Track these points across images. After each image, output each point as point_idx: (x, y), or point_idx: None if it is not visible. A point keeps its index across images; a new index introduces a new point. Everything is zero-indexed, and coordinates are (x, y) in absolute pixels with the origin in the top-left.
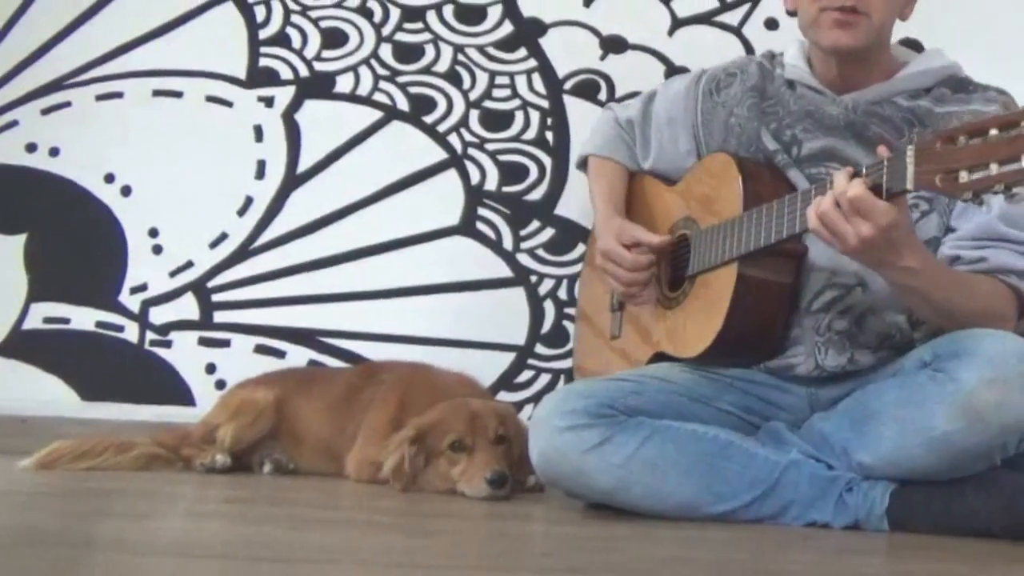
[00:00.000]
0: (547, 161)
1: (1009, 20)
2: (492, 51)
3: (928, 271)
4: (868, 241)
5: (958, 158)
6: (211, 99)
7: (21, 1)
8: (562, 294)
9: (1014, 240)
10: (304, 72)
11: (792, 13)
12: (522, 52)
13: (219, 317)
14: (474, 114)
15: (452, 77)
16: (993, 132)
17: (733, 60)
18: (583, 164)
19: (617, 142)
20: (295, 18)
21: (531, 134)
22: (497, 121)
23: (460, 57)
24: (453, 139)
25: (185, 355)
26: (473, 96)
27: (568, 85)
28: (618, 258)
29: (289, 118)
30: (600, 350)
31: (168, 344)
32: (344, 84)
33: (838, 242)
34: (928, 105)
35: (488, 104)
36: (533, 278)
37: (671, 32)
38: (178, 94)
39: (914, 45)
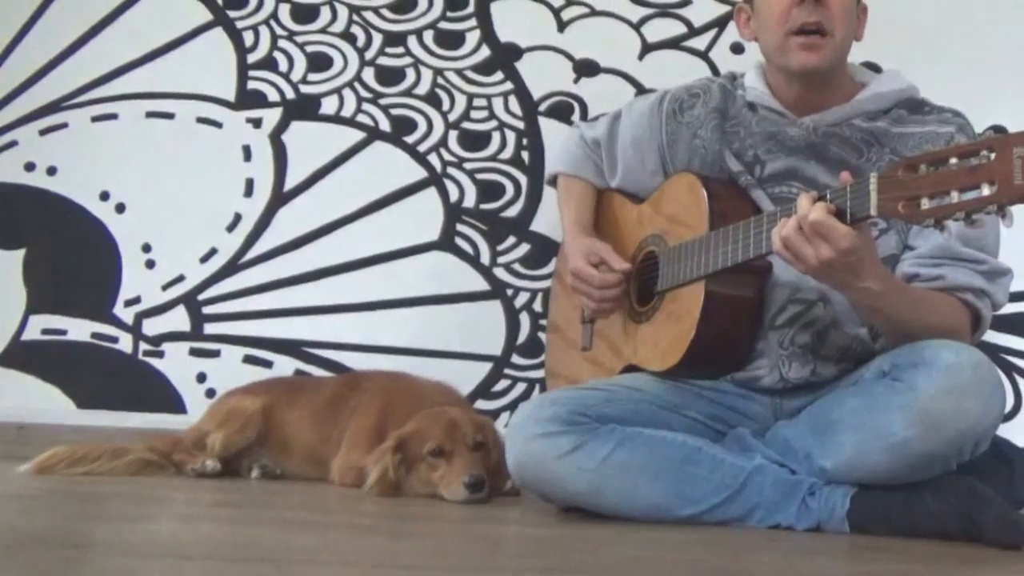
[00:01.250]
0: (523, 180)
1: (964, 41)
2: (470, 74)
3: (888, 292)
4: (828, 263)
5: (919, 185)
6: (201, 120)
7: (20, 27)
8: (537, 307)
9: (970, 259)
10: (290, 94)
11: (753, 39)
12: (499, 75)
13: (209, 329)
14: (453, 135)
15: (432, 99)
16: (953, 161)
17: (695, 81)
18: (553, 181)
19: (585, 161)
20: (282, 43)
21: (507, 154)
22: (475, 141)
23: (440, 80)
24: (433, 158)
25: (177, 365)
26: (452, 117)
27: (543, 107)
28: (588, 278)
29: (276, 138)
30: (571, 362)
31: (160, 354)
32: (329, 106)
33: (800, 263)
34: (885, 126)
35: (466, 125)
36: (509, 291)
37: (641, 56)
38: (170, 115)
39: (874, 67)
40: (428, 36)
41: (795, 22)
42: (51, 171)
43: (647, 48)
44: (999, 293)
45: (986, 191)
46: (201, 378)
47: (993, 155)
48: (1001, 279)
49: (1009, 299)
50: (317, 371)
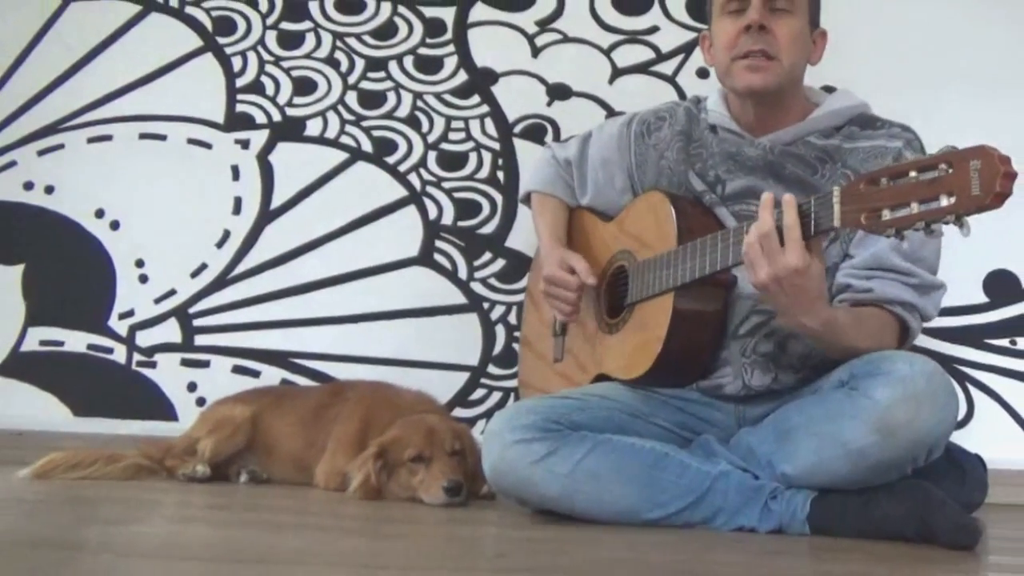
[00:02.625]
0: (498, 198)
1: (915, 62)
2: (448, 98)
3: (825, 332)
4: (775, 278)
5: (881, 197)
6: (192, 141)
7: (19, 53)
8: (512, 319)
9: (903, 272)
10: (277, 117)
11: (713, 64)
12: (475, 99)
13: (200, 340)
14: (432, 155)
15: (412, 121)
16: (913, 174)
17: (662, 104)
18: (526, 199)
19: (557, 180)
20: (269, 68)
21: (484, 173)
22: (453, 162)
23: (419, 103)
24: (413, 178)
25: (168, 375)
26: (431, 139)
27: (517, 129)
28: (562, 282)
29: (263, 159)
30: (543, 372)
31: (153, 365)
32: (313, 128)
33: (751, 272)
34: (838, 142)
35: (445, 146)
36: (486, 304)
37: (611, 80)
38: (162, 137)
39: (830, 90)
40: (408, 61)
41: (741, 49)
42: (49, 190)
43: (617, 73)
44: (929, 307)
45: (944, 202)
46: (192, 387)
47: (951, 169)
48: (933, 293)
49: (959, 312)
50: (302, 381)
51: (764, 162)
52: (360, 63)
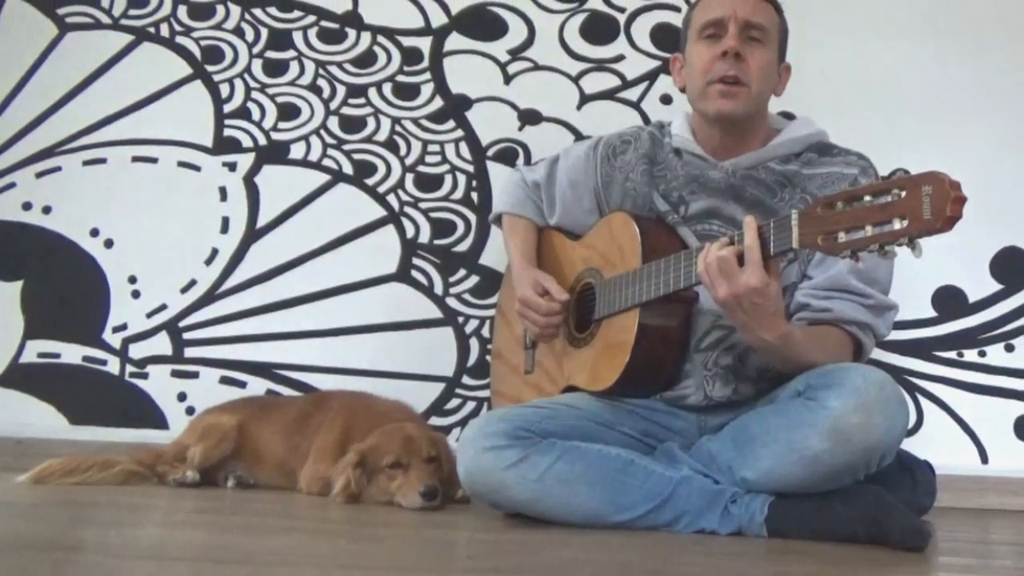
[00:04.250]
0: (472, 218)
1: (870, 93)
2: (425, 123)
3: (783, 347)
4: (734, 296)
5: (837, 221)
6: (182, 164)
7: (18, 80)
8: (485, 332)
9: (858, 293)
10: (262, 141)
11: (682, 89)
12: (451, 124)
13: (189, 352)
14: (409, 177)
15: (390, 145)
16: (868, 198)
17: (627, 129)
18: (497, 220)
19: (527, 202)
20: (255, 94)
21: (458, 194)
22: (429, 183)
23: (397, 128)
24: (391, 199)
25: (160, 385)
26: (408, 161)
27: (490, 152)
28: (534, 305)
29: (249, 181)
30: (514, 383)
31: (145, 376)
32: (297, 151)
33: (712, 290)
34: (797, 168)
35: (421, 168)
36: (460, 319)
37: (579, 106)
38: (154, 160)
39: (788, 116)
40: (387, 88)
41: (716, 74)
42: (46, 210)
43: (585, 99)
44: (882, 327)
45: (897, 225)
46: (181, 397)
47: (904, 193)
48: (886, 313)
49: (910, 326)
50: (286, 391)
51: (726, 185)
52: (341, 90)
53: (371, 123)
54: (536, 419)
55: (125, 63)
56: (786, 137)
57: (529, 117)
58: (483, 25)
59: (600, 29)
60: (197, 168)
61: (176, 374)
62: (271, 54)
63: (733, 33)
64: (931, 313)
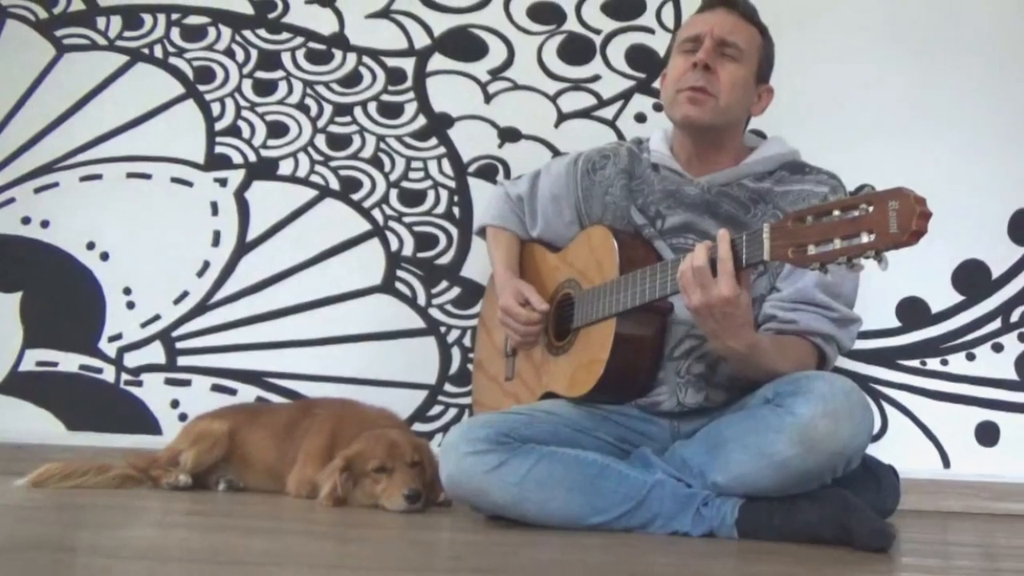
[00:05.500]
0: (454, 232)
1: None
2: (408, 140)
3: (751, 355)
4: (707, 305)
5: (807, 234)
6: (175, 180)
7: (18, 99)
8: (467, 342)
9: (823, 306)
10: (252, 158)
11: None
12: (433, 141)
13: (182, 361)
14: (393, 192)
15: (375, 162)
16: (836, 213)
17: (606, 144)
18: (481, 232)
19: (510, 215)
20: (245, 113)
21: (441, 209)
22: (412, 198)
23: (382, 145)
24: (376, 213)
25: (153, 393)
26: (393, 177)
27: (471, 168)
28: (515, 314)
29: (240, 196)
30: (494, 391)
31: (139, 384)
32: (286, 168)
33: (686, 297)
34: (769, 186)
35: (405, 184)
36: (443, 329)
37: (557, 124)
38: (148, 176)
39: (760, 134)
40: (372, 107)
41: (685, 83)
42: (44, 224)
43: (562, 117)
44: (846, 339)
45: (865, 239)
46: (175, 404)
47: (871, 208)
48: (850, 326)
49: (875, 336)
50: (275, 398)
51: (701, 200)
52: (328, 109)
53: (357, 140)
54: (516, 425)
55: (120, 83)
56: (760, 156)
57: (508, 135)
58: (464, 46)
59: (577, 50)
60: (190, 184)
61: (169, 382)
62: (261, 74)
63: (707, 47)
64: (895, 323)
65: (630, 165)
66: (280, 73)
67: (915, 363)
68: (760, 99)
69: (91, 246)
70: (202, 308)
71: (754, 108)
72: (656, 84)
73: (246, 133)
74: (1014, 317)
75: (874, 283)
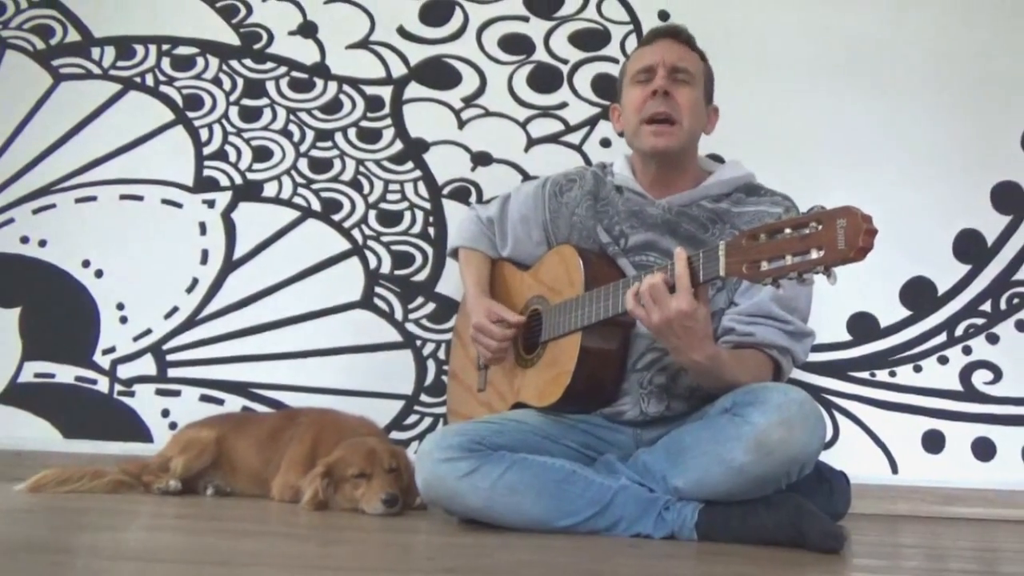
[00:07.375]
0: (430, 251)
1: (793, 138)
2: (386, 164)
3: (711, 368)
4: (667, 320)
5: (760, 251)
6: (165, 201)
7: (16, 125)
8: (441, 355)
9: (779, 319)
10: (239, 180)
11: (620, 134)
12: (410, 165)
13: (172, 373)
14: (372, 213)
15: (355, 184)
16: (788, 231)
17: (572, 169)
18: (454, 253)
19: (480, 236)
20: (231, 138)
21: (417, 229)
22: (390, 219)
23: (361, 169)
24: (356, 233)
25: (145, 402)
26: (371, 199)
27: (446, 191)
28: (488, 332)
29: (227, 216)
30: (467, 401)
31: (132, 394)
32: (270, 190)
33: (646, 319)
34: (727, 207)
35: (383, 205)
36: (418, 342)
37: (527, 149)
38: (139, 198)
39: (718, 158)
40: (352, 132)
41: (647, 112)
42: (42, 243)
43: (532, 142)
44: (800, 351)
45: (815, 255)
46: (165, 413)
47: (820, 226)
48: (804, 339)
49: (827, 349)
50: (260, 407)
51: (663, 220)
52: (310, 134)
53: (337, 164)
54: (487, 433)
55: (113, 110)
56: (717, 178)
57: (481, 159)
58: (439, 75)
59: (545, 79)
60: (179, 205)
61: (160, 392)
62: (246, 102)
63: (662, 75)
64: (846, 337)
65: (595, 188)
66: (265, 100)
67: (865, 375)
68: (710, 118)
69: (86, 264)
70: (191, 323)
71: (707, 127)
72: (609, 118)
73: (233, 157)
74: (958, 331)
75: (827, 299)
